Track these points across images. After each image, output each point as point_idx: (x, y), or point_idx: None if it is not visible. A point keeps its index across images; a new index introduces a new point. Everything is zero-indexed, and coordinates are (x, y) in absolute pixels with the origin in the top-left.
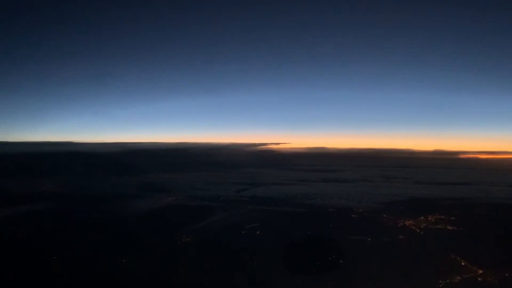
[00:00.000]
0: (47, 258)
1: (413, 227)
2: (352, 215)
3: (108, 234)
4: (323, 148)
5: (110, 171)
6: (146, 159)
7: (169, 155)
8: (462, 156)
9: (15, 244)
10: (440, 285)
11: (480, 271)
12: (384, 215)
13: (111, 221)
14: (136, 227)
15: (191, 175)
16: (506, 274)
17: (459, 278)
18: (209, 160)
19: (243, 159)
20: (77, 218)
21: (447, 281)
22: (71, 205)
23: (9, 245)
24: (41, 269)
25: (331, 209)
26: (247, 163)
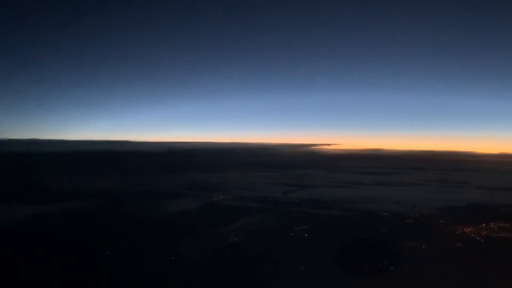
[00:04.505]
0: (101, 251)
1: (473, 235)
2: (406, 220)
3: (158, 231)
4: (379, 149)
5: (161, 170)
6: (196, 159)
7: (219, 155)
8: None
9: (71, 236)
10: None
11: None
12: (441, 221)
13: (162, 219)
14: (185, 225)
15: (239, 175)
16: None
17: None
18: (258, 161)
19: (293, 159)
20: (131, 215)
21: None
22: (126, 202)
23: (65, 238)
24: (96, 261)
25: (384, 213)
26: (297, 164)
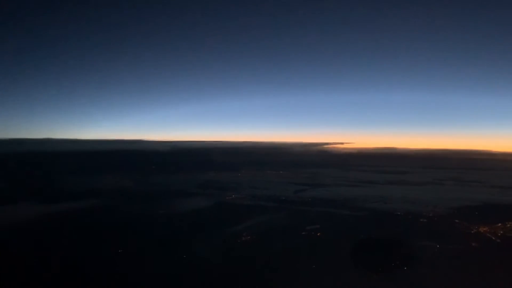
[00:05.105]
0: (115, 249)
1: (489, 235)
2: (420, 219)
3: (171, 229)
4: (392, 148)
5: (173, 169)
6: (208, 158)
7: (231, 154)
8: None
9: (84, 235)
10: None
11: None
12: (456, 221)
13: (174, 217)
14: (198, 224)
15: (252, 174)
16: None
17: None
18: (271, 159)
19: (305, 158)
20: (143, 214)
21: None
22: (138, 201)
23: (78, 237)
24: (110, 259)
25: (397, 213)
26: (309, 162)
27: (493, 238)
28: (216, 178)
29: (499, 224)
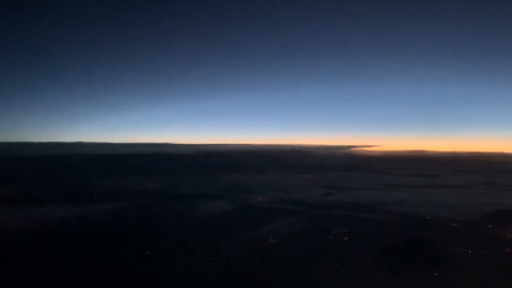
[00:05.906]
0: (142, 251)
1: None
2: (451, 224)
3: (197, 231)
4: (422, 151)
5: (199, 171)
6: (233, 161)
7: (256, 157)
8: None
9: (112, 236)
10: None
11: None
12: (489, 226)
13: (201, 219)
14: (223, 226)
15: (277, 177)
16: None
17: None
18: (296, 162)
19: (332, 161)
20: (170, 216)
21: None
22: (165, 203)
23: (106, 238)
24: (137, 261)
25: (427, 217)
26: (336, 166)
27: None
28: (242, 181)
29: None
